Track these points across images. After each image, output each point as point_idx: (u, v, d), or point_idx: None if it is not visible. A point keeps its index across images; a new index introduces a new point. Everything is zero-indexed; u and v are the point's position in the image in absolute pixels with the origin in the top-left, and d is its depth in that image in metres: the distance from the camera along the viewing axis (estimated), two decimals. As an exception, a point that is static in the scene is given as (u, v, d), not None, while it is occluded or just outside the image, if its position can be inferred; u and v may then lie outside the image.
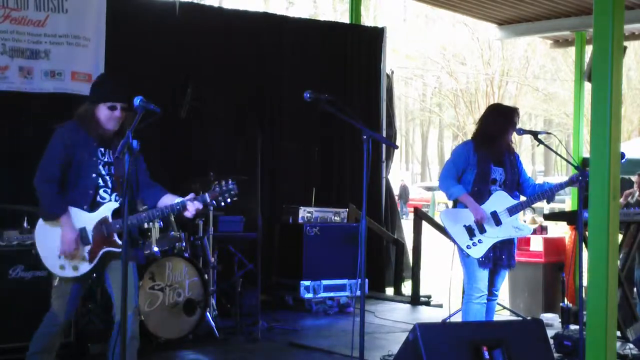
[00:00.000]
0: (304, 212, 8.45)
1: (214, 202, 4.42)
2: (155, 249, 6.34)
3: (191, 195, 4.45)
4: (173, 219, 6.69)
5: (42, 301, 5.49)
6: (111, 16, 7.54)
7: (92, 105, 4.46)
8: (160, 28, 8.05)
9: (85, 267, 4.40)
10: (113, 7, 7.58)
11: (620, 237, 6.82)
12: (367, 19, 30.32)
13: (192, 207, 4.38)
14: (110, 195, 4.45)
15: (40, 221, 4.46)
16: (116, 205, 4.40)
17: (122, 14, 7.69)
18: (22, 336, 5.50)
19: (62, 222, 4.35)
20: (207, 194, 4.43)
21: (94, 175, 4.41)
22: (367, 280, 6.98)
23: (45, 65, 7.24)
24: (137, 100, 4.20)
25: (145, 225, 6.41)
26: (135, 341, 4.45)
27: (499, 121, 5.63)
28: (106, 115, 4.44)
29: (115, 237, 4.40)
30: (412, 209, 11.08)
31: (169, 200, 4.49)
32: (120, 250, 4.23)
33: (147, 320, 6.10)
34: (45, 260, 4.43)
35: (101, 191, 4.44)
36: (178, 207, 4.41)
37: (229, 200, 4.45)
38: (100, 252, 4.41)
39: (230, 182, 4.45)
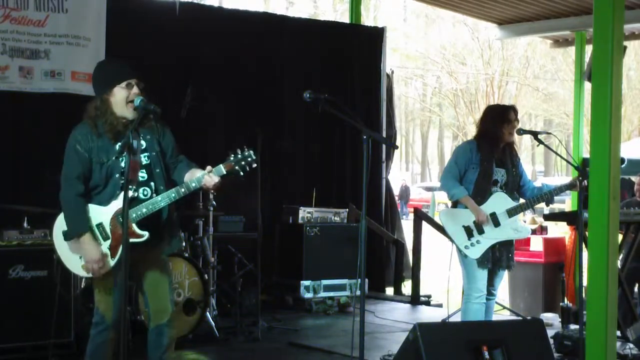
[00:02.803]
0: (304, 212, 8.45)
1: (232, 173, 4.15)
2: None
3: (209, 168, 4.19)
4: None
5: (42, 301, 5.53)
6: (111, 16, 7.55)
7: (105, 94, 4.22)
8: (160, 28, 8.05)
9: (108, 264, 4.21)
10: (113, 7, 7.58)
11: (620, 237, 6.83)
12: (367, 19, 30.31)
13: (210, 182, 4.13)
14: (137, 190, 4.23)
15: (57, 225, 4.27)
16: (130, 193, 4.09)
17: (122, 14, 7.69)
18: (22, 336, 5.53)
19: (82, 241, 4.14)
20: (221, 165, 4.16)
21: (117, 175, 4.21)
22: (367, 280, 6.99)
23: (45, 65, 7.25)
24: (137, 101, 4.19)
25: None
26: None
27: (494, 120, 5.64)
28: (124, 96, 4.20)
29: (135, 228, 4.16)
30: (412, 209, 11.09)
31: (191, 175, 4.26)
32: (140, 241, 4.13)
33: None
34: (68, 263, 4.28)
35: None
36: (194, 185, 4.17)
37: (247, 168, 4.16)
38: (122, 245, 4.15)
39: (245, 148, 4.20)
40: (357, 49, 9.72)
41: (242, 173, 4.17)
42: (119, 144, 4.13)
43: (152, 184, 4.30)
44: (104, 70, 4.41)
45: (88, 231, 4.14)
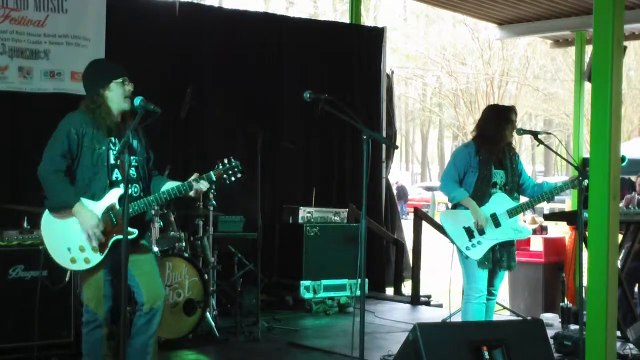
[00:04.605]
0: (304, 212, 8.44)
1: (220, 180, 4.46)
2: (155, 249, 6.34)
3: (195, 175, 4.44)
4: (173, 219, 6.69)
5: (42, 301, 5.51)
6: (111, 16, 7.54)
7: (102, 89, 4.43)
8: (160, 28, 8.05)
9: (96, 258, 4.34)
10: (113, 7, 7.58)
11: (620, 237, 6.82)
12: (367, 19, 30.33)
13: (199, 187, 4.40)
14: (121, 185, 4.39)
15: (46, 216, 4.39)
16: (122, 191, 4.33)
17: (122, 14, 7.69)
18: (22, 336, 5.52)
19: (76, 211, 4.28)
20: (212, 172, 4.44)
21: (106, 165, 4.37)
22: (367, 280, 6.99)
23: (44, 65, 7.24)
24: (137, 101, 4.24)
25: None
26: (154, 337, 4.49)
27: (495, 121, 5.63)
28: (121, 92, 4.44)
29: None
30: (412, 209, 11.09)
31: (170, 184, 4.50)
32: (130, 238, 4.22)
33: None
34: (54, 254, 4.37)
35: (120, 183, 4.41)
36: (185, 188, 4.40)
37: (233, 178, 4.46)
38: (111, 241, 4.35)
39: (232, 159, 4.47)
40: (357, 49, 9.71)
41: (228, 181, 4.47)
42: (120, 144, 4.22)
43: (141, 182, 4.50)
44: (100, 67, 4.66)
45: (79, 201, 4.29)
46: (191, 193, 4.43)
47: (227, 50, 8.57)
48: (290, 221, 8.47)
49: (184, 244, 6.66)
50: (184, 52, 8.23)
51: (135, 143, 4.49)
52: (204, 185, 4.40)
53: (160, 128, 7.28)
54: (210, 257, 6.92)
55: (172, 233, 6.59)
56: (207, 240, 6.97)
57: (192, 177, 4.43)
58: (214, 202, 6.91)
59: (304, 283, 8.20)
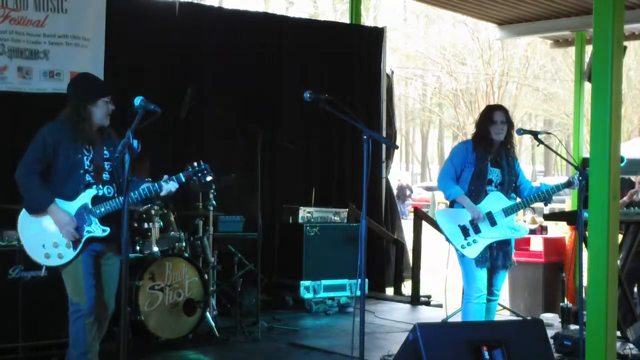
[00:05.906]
0: (304, 212, 8.44)
1: (189, 181, 4.74)
2: (155, 249, 6.34)
3: (166, 177, 4.67)
4: (173, 219, 6.69)
5: (42, 301, 5.52)
6: (111, 16, 7.54)
7: (89, 104, 4.62)
8: (160, 28, 8.04)
9: (70, 254, 4.56)
10: (113, 7, 7.58)
11: (620, 237, 6.82)
12: (367, 19, 30.32)
13: (169, 187, 4.63)
14: (101, 188, 4.65)
15: (22, 213, 4.64)
16: (94, 192, 4.58)
17: (122, 14, 7.69)
18: (22, 336, 5.52)
19: (51, 211, 4.52)
20: (181, 174, 4.68)
21: (81, 171, 4.58)
22: (367, 280, 6.99)
23: (44, 65, 7.24)
24: (137, 101, 4.27)
25: (146, 225, 6.41)
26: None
27: (482, 120, 5.68)
28: (105, 110, 4.68)
29: (98, 223, 4.58)
30: (412, 209, 11.08)
31: (143, 186, 4.71)
32: (101, 235, 4.58)
33: (147, 320, 6.10)
34: (30, 251, 4.61)
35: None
36: (155, 189, 4.62)
37: (203, 180, 4.74)
38: (84, 238, 4.56)
39: (201, 162, 4.72)
40: (357, 49, 9.71)
41: (198, 183, 4.83)
42: (119, 147, 4.32)
43: (115, 185, 4.70)
44: (92, 83, 4.84)
45: (53, 201, 4.52)
46: (162, 193, 4.65)
47: (227, 50, 8.57)
48: (290, 221, 8.47)
49: (184, 244, 6.66)
50: (184, 52, 8.22)
51: (135, 143, 4.53)
52: (173, 186, 4.64)
53: (160, 128, 7.27)
54: (210, 257, 6.92)
55: (172, 233, 6.59)
56: (207, 240, 6.97)
57: (163, 179, 4.66)
58: (214, 202, 6.91)
59: (304, 283, 8.20)
